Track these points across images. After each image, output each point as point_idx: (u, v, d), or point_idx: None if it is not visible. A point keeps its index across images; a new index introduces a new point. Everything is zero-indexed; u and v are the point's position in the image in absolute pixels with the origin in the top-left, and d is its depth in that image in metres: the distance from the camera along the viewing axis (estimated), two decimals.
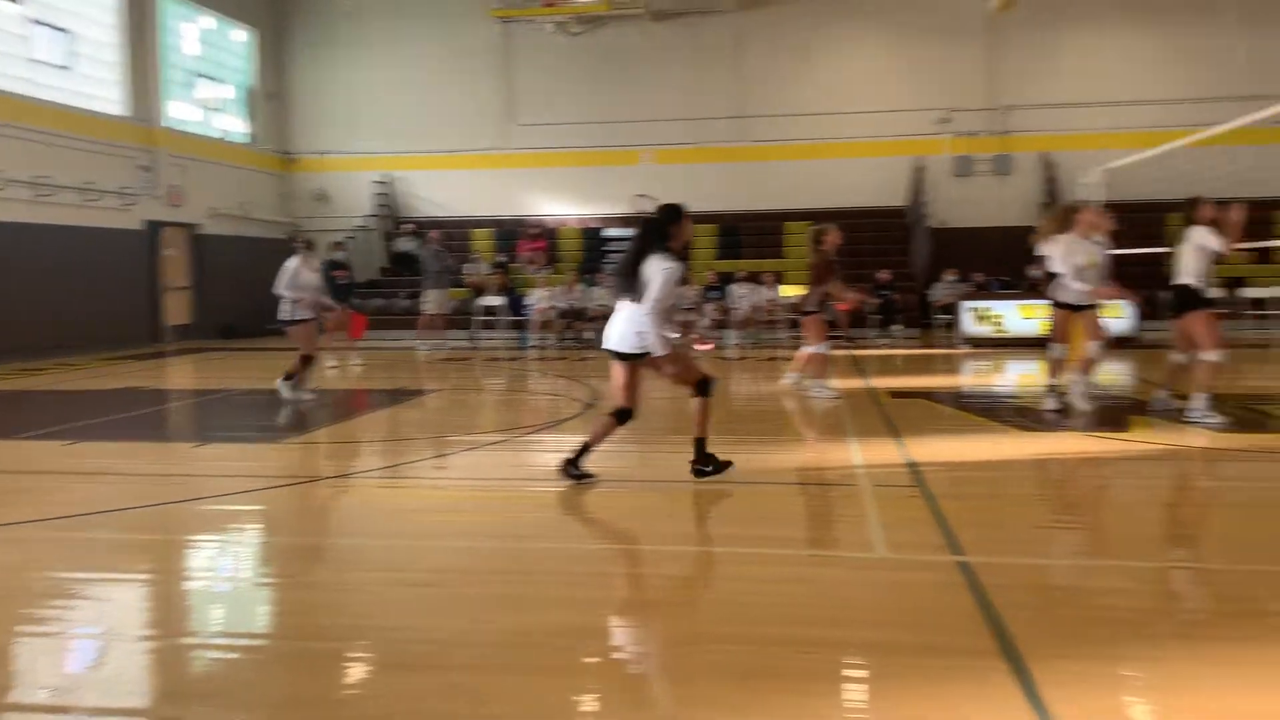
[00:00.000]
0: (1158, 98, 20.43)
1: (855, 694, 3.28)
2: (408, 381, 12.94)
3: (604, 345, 6.27)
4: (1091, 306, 8.98)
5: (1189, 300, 8.32)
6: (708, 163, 22.16)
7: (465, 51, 22.85)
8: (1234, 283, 18.43)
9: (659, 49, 22.46)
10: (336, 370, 13.89)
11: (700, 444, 6.32)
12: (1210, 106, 19.47)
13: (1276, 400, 10.05)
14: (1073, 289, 8.83)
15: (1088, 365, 9.01)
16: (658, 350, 6.00)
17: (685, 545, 5.28)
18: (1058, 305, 9.11)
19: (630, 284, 6.00)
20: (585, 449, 6.29)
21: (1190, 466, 7.00)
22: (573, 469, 6.26)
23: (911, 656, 3.48)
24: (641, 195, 21.23)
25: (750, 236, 21.84)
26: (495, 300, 19.56)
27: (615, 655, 3.74)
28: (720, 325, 18.62)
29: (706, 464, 6.30)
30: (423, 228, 22.28)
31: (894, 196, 21.62)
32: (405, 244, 22.09)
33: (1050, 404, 9.07)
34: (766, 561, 4.80)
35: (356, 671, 3.59)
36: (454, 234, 22.35)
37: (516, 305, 19.36)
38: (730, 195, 21.88)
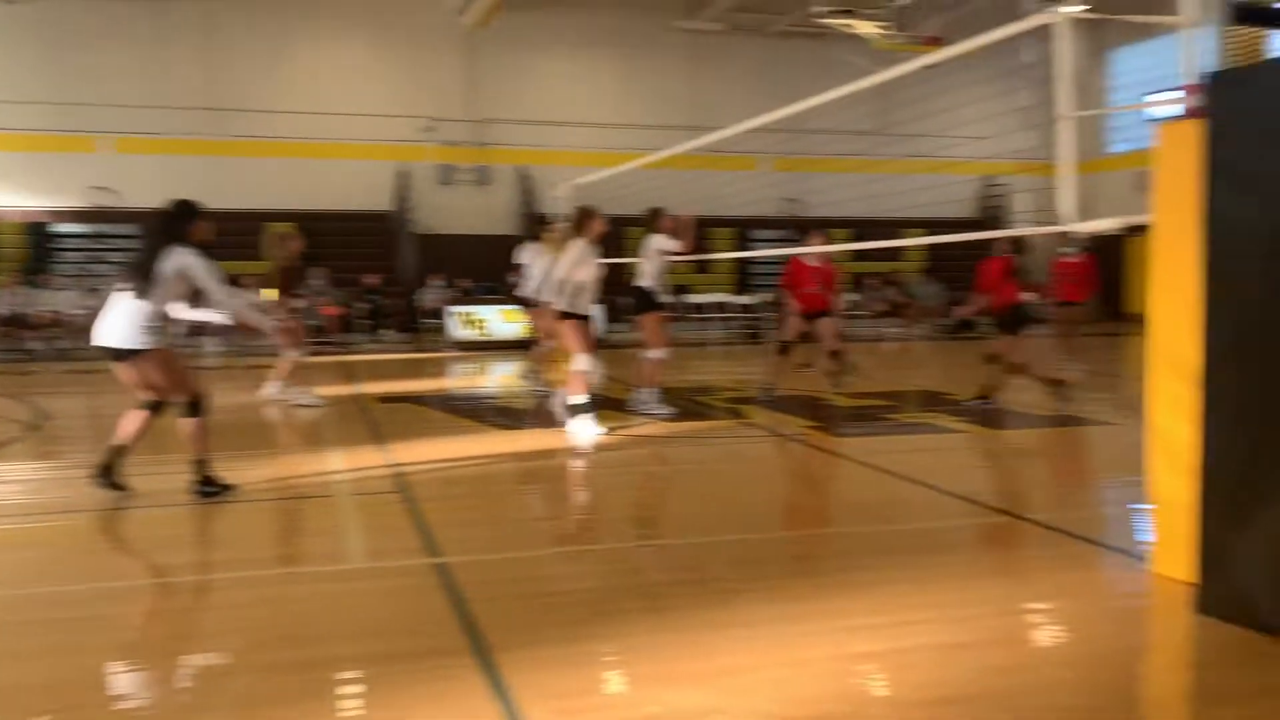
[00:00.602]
0: (618, 122, 22.55)
1: (324, 711, 3.17)
2: None
3: (98, 342, 5.77)
4: (585, 315, 9.55)
5: (646, 302, 9.25)
6: (179, 155, 20.37)
7: None
8: (680, 289, 20.96)
9: (118, 28, 20.23)
10: None
11: (200, 465, 5.93)
12: (662, 133, 21.96)
13: (713, 392, 11.54)
14: (564, 296, 9.27)
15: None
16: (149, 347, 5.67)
17: (142, 579, 4.78)
18: (563, 315, 9.46)
19: (144, 279, 5.65)
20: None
21: (649, 453, 7.78)
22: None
23: (383, 664, 3.45)
24: (100, 187, 19.04)
25: (230, 237, 20.53)
26: None
27: (69, 712, 3.25)
28: (198, 332, 17.26)
29: (210, 485, 5.91)
30: None
31: (380, 201, 21.57)
32: None
33: (540, 402, 9.66)
34: (242, 585, 4.49)
35: None
36: None
37: None
38: (207, 192, 20.29)
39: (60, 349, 16.64)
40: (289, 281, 9.81)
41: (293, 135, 21.02)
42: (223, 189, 20.62)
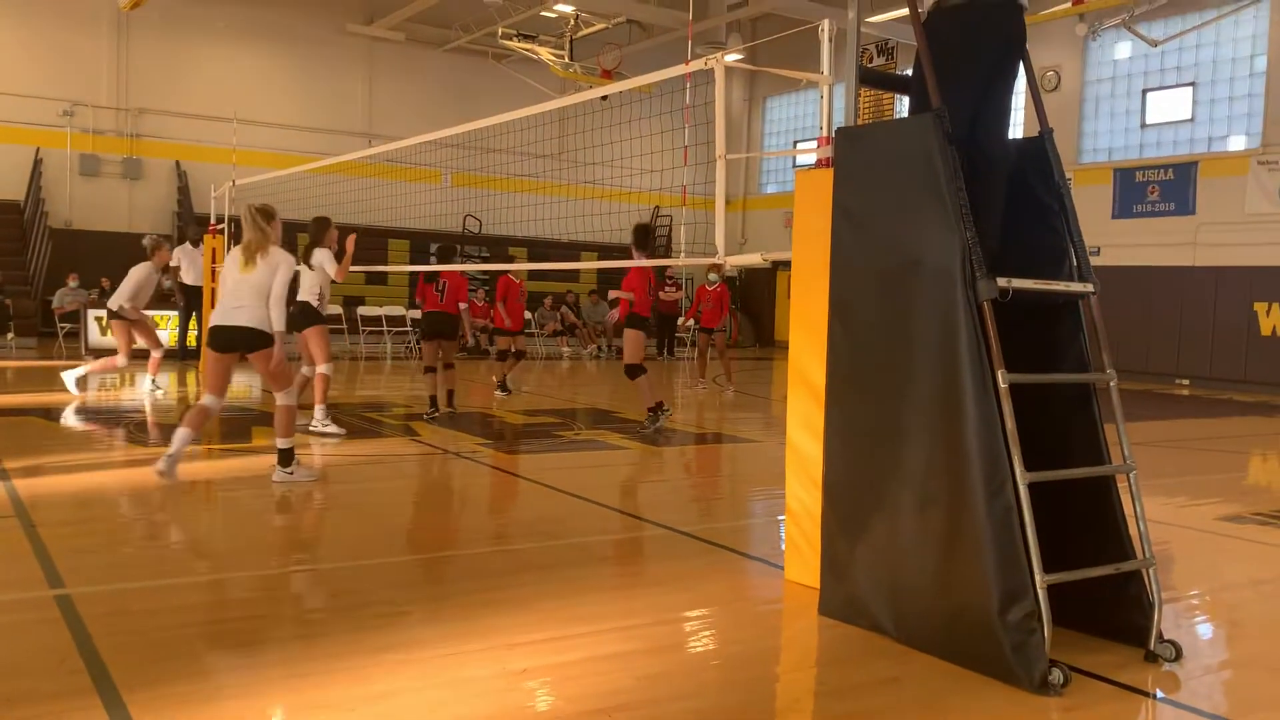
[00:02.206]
0: (290, 123, 21.53)
1: None
2: None
3: None
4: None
5: (308, 316, 8.86)
6: None
7: None
8: (352, 301, 20.30)
9: None
10: None
11: None
12: (337, 138, 21.23)
13: (386, 408, 11.27)
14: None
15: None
16: None
17: None
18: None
19: None
20: None
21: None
22: None
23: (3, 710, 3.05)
24: None
25: None
26: None
27: None
28: None
29: None
30: None
31: (11, 190, 19.23)
32: None
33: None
34: None
35: None
36: None
37: None
38: None
39: None
40: None
41: None
42: None
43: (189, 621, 4.02)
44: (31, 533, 5.08)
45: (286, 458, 6.65)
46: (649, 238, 9.73)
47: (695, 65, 5.43)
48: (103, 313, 15.99)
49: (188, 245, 15.18)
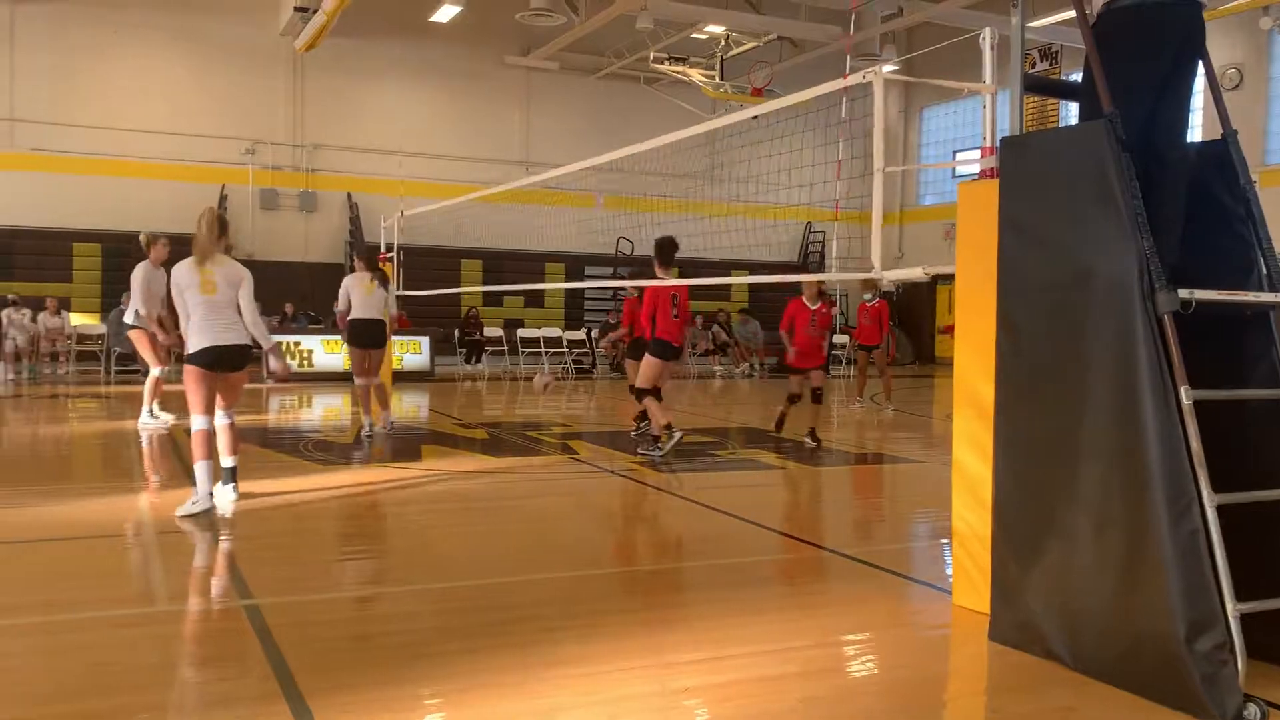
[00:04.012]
0: (452, 154, 22.36)
1: None
2: None
3: None
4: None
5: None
6: None
7: None
8: (512, 324, 20.86)
9: None
10: None
11: None
12: (496, 167, 21.93)
13: (544, 426, 11.50)
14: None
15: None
16: None
17: None
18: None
19: None
20: None
21: (471, 489, 7.66)
22: None
23: (192, 714, 3.26)
24: None
25: (29, 256, 19.20)
26: None
27: None
28: None
29: None
30: None
31: (191, 222, 20.65)
32: None
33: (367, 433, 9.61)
34: (23, 633, 4.17)
35: None
36: None
37: None
38: (5, 207, 19.03)
39: None
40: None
41: (104, 152, 19.91)
42: (23, 204, 19.33)
43: (363, 633, 4.20)
44: (225, 546, 5.42)
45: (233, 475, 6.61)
46: (672, 252, 9.06)
47: (853, 79, 5.37)
48: (284, 338, 16.99)
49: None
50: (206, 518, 6.04)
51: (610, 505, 7.46)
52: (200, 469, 6.20)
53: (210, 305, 6.33)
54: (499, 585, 5.01)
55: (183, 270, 6.44)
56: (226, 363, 6.40)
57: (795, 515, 7.24)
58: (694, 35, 21.14)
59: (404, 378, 16.58)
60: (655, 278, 8.95)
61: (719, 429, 11.55)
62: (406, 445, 9.77)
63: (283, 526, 6.24)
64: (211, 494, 6.20)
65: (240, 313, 6.40)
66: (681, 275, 23.13)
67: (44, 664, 3.75)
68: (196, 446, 6.27)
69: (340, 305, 10.03)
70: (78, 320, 18.79)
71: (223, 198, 20.74)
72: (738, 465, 9.09)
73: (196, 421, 6.34)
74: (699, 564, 5.49)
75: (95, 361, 18.13)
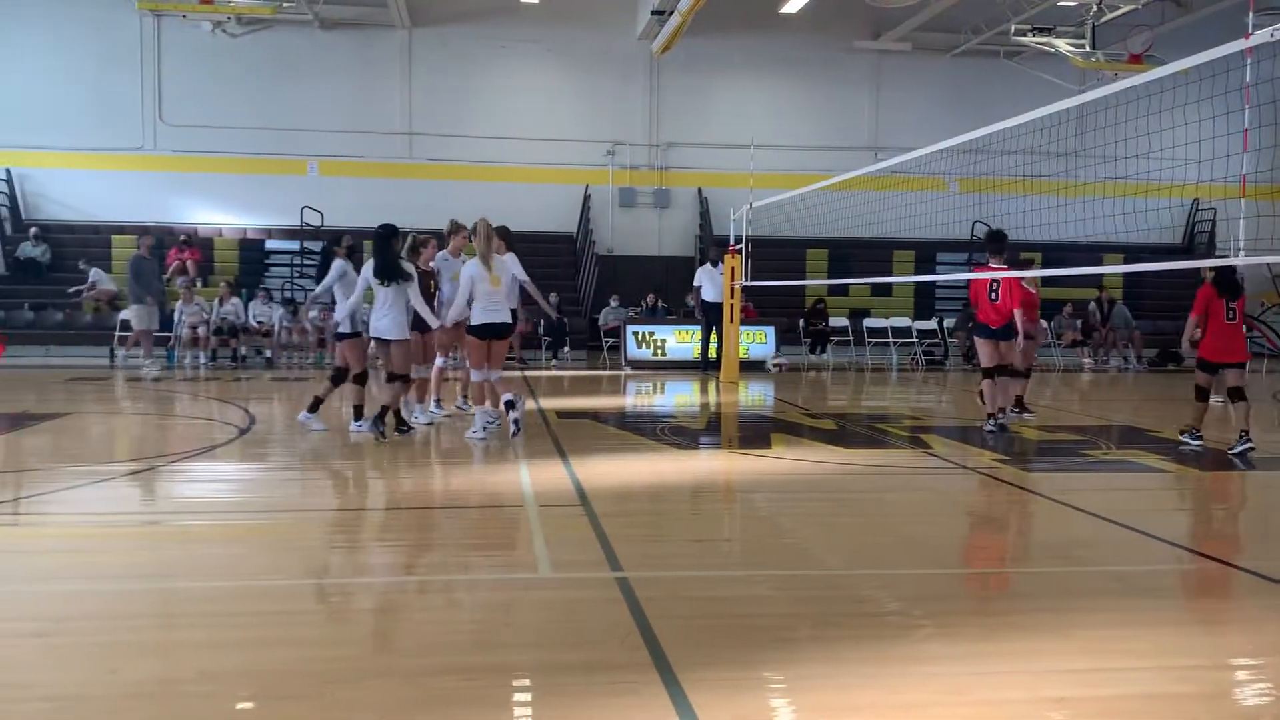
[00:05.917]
0: (799, 144, 22.42)
1: (518, 718, 3.28)
2: (34, 404, 11.53)
3: (378, 335, 8.70)
4: None
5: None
6: (376, 177, 21.58)
7: (109, 42, 20.81)
8: (858, 314, 20.55)
9: (327, 57, 21.62)
10: None
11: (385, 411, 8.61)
12: (844, 155, 21.71)
13: (894, 419, 11.26)
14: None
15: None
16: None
17: (341, 577, 5.07)
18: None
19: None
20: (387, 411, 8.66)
21: (826, 480, 7.66)
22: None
23: (571, 675, 3.54)
24: (310, 208, 20.29)
25: None
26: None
27: (269, 701, 3.48)
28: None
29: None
30: (49, 231, 20.08)
31: (563, 223, 22.19)
32: (30, 249, 19.70)
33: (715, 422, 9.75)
34: (429, 589, 4.72)
35: None
36: (90, 239, 20.31)
37: (162, 319, 17.83)
38: (401, 214, 21.48)
39: (267, 358, 17.86)
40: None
41: (482, 159, 21.91)
42: (417, 211, 21.72)
43: (727, 612, 4.34)
44: (595, 522, 5.81)
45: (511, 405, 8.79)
46: (1002, 243, 9.83)
47: (1258, 38, 4.78)
48: (640, 328, 17.89)
49: (708, 265, 16.41)
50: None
51: (969, 502, 7.17)
52: (480, 411, 8.84)
53: (493, 294, 8.73)
54: (850, 577, 4.97)
55: (474, 267, 8.75)
56: (495, 333, 8.77)
57: (1180, 522, 6.59)
58: (1060, 3, 19.73)
59: (749, 367, 16.87)
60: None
61: (1090, 426, 10.73)
62: (758, 432, 9.93)
63: (643, 506, 6.58)
64: (487, 426, 8.79)
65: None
66: (1046, 260, 21.78)
67: (459, 618, 4.21)
68: (475, 391, 9.05)
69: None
70: None
71: (586, 198, 22.13)
72: (1112, 466, 8.41)
73: (476, 375, 8.90)
74: (1069, 570, 5.14)
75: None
